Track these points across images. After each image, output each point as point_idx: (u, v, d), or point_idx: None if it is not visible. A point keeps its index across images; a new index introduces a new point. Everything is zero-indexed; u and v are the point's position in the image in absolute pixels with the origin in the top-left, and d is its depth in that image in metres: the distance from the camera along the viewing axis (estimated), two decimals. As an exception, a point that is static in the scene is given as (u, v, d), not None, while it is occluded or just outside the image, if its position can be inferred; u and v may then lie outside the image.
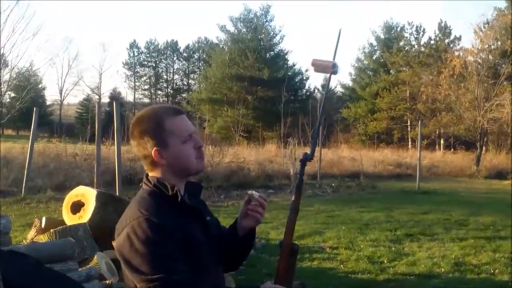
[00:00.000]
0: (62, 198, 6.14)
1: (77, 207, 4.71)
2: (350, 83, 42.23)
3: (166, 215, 1.45)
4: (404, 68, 35.01)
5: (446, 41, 34.15)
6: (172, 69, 56.06)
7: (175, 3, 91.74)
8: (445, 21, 35.28)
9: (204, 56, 49.95)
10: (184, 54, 55.48)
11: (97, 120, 8.96)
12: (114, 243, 1.52)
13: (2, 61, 22.32)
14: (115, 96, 46.19)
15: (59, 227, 4.27)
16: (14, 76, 26.02)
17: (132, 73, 55.39)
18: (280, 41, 39.11)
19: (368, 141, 30.66)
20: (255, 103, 36.69)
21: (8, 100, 34.73)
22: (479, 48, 24.18)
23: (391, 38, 39.12)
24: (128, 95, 55.37)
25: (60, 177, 10.85)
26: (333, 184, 13.11)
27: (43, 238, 4.19)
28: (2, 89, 24.27)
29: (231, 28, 39.12)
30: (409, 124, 35.17)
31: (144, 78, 56.26)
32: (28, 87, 27.41)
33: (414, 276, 5.12)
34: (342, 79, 42.82)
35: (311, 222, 7.86)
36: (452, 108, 24.42)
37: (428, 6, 77.48)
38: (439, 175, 18.44)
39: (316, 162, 14.15)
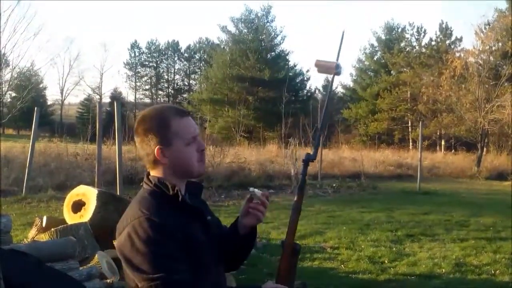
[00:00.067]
0: (63, 197, 6.15)
1: (78, 206, 4.71)
2: (351, 84, 42.27)
3: (167, 215, 1.45)
4: (405, 69, 35.01)
5: (447, 42, 34.20)
6: (173, 69, 56.09)
7: (176, 3, 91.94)
8: (446, 22, 35.39)
9: (205, 56, 49.99)
10: (185, 55, 55.48)
11: (98, 120, 8.97)
12: (115, 242, 1.52)
13: (3, 60, 22.34)
14: (116, 96, 46.35)
15: (60, 226, 4.28)
16: (15, 75, 26.11)
17: (133, 73, 55.38)
18: (281, 41, 39.24)
19: (369, 142, 30.60)
20: (256, 104, 36.71)
21: (9, 99, 34.85)
22: (480, 49, 24.20)
23: (392, 39, 39.12)
24: (129, 95, 55.45)
25: (61, 177, 10.87)
26: (334, 185, 13.12)
27: (44, 237, 4.19)
28: (3, 89, 24.34)
29: (232, 28, 39.25)
30: (410, 125, 35.17)
31: (145, 78, 56.28)
32: (29, 86, 27.52)
33: (415, 277, 5.12)
34: (343, 80, 42.90)
35: (312, 222, 7.87)
36: (453, 109, 24.42)
37: (428, 6, 77.53)
38: (440, 176, 18.45)
39: (317, 163, 14.14)
